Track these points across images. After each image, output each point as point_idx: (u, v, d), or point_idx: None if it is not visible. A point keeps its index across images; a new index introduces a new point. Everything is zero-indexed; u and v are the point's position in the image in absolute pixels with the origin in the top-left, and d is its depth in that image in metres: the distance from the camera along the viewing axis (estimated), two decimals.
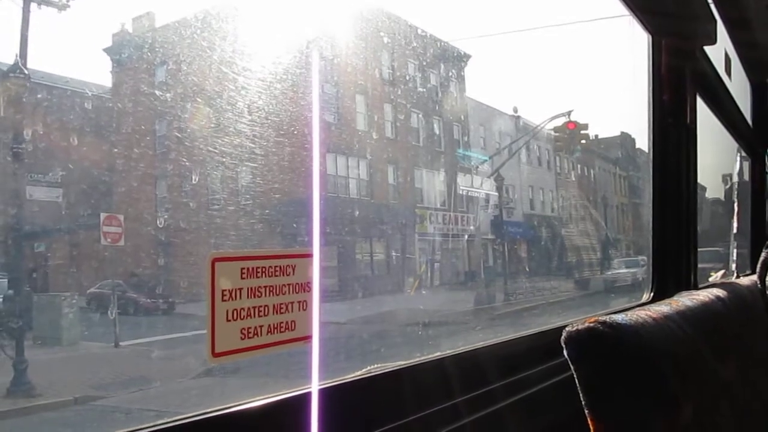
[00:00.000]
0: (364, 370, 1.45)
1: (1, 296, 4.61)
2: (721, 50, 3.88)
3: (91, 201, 5.42)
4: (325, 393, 1.23)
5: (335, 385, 1.34)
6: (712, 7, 3.14)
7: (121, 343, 5.73)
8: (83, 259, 6.03)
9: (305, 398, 1.20)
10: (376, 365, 1.48)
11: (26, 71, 4.15)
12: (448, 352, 1.71)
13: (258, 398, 1.20)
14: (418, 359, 1.62)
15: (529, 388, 1.85)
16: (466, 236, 15.54)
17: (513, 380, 1.82)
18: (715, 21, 3.12)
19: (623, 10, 2.76)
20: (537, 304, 13.46)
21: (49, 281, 5.74)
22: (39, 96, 4.58)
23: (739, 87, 4.49)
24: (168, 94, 4.96)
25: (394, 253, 12.34)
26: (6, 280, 4.72)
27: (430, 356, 1.66)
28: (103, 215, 5.20)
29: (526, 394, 1.83)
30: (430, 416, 1.49)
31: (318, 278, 1.21)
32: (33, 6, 4.06)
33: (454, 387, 1.61)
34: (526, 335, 2.11)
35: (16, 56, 4.08)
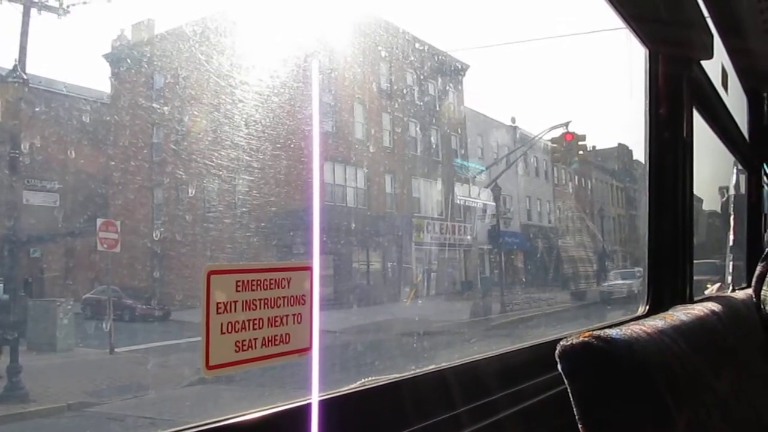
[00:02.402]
0: (358, 382, 1.45)
1: None
2: (717, 63, 3.90)
3: (88, 207, 5.41)
4: (325, 404, 1.23)
5: (335, 397, 1.34)
6: (709, 20, 3.15)
7: (116, 350, 5.71)
8: (79, 265, 6.01)
9: (305, 409, 1.20)
10: (369, 378, 1.48)
11: (25, 76, 4.16)
12: (445, 364, 1.72)
13: (257, 409, 1.20)
14: (416, 371, 1.62)
15: (525, 400, 1.85)
16: (463, 246, 15.54)
17: (509, 393, 1.82)
18: (712, 34, 3.13)
19: (621, 23, 2.77)
20: (533, 315, 13.46)
21: (44, 287, 5.73)
22: (37, 101, 4.58)
23: (735, 100, 4.51)
24: (165, 108, 4.97)
25: (390, 263, 12.33)
26: (1, 285, 4.71)
27: (428, 368, 1.66)
28: (99, 221, 5.19)
29: (522, 406, 1.83)
30: (429, 428, 1.49)
31: (318, 290, 1.21)
32: (33, 12, 4.07)
33: (452, 399, 1.61)
34: (522, 348, 2.11)
35: (15, 61, 4.09)
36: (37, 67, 4.26)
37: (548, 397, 1.85)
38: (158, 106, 5.05)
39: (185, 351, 5.28)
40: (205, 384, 4.73)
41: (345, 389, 1.40)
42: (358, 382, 1.43)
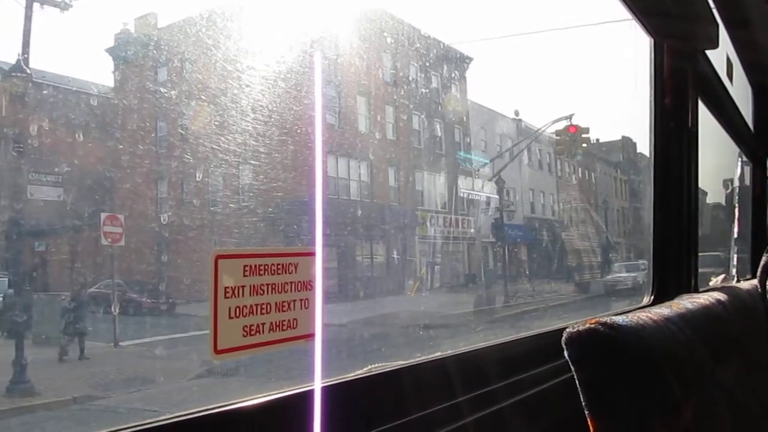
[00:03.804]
0: (364, 369, 1.45)
1: (1, 295, 4.60)
2: (722, 54, 3.88)
3: (92, 200, 5.42)
4: (327, 391, 1.23)
5: (338, 383, 1.34)
6: (714, 10, 3.14)
7: (120, 343, 5.72)
8: (83, 259, 6.02)
9: (308, 396, 1.20)
10: (376, 365, 1.48)
11: (28, 70, 4.15)
12: (450, 352, 1.72)
13: (261, 395, 1.21)
14: (419, 359, 1.62)
15: (530, 388, 1.85)
16: (467, 239, 15.53)
17: (514, 381, 1.82)
18: (717, 24, 3.12)
19: (626, 13, 2.76)
20: (537, 307, 13.47)
21: (49, 281, 5.73)
22: (41, 95, 4.58)
23: (740, 91, 4.49)
24: (172, 92, 4.97)
25: (394, 255, 12.32)
26: (6, 279, 4.72)
27: (432, 356, 1.66)
28: (103, 215, 5.20)
29: (527, 394, 1.83)
30: (432, 415, 1.50)
31: (321, 276, 1.21)
32: (35, 6, 4.06)
33: (456, 387, 1.61)
34: (527, 336, 2.12)
35: (18, 55, 4.09)
36: (41, 61, 4.26)
37: (554, 385, 1.86)
38: (165, 91, 5.05)
39: (190, 344, 5.30)
40: (211, 376, 4.75)
41: (347, 376, 1.40)
42: (365, 369, 1.44)
